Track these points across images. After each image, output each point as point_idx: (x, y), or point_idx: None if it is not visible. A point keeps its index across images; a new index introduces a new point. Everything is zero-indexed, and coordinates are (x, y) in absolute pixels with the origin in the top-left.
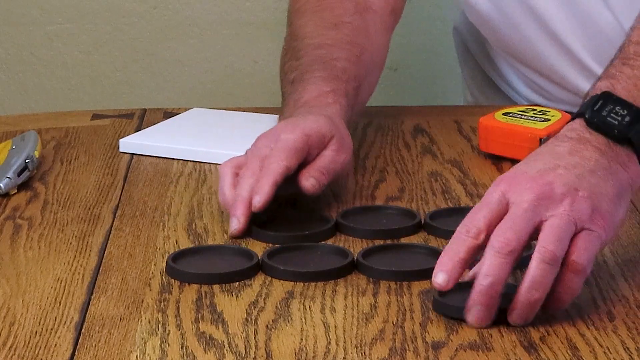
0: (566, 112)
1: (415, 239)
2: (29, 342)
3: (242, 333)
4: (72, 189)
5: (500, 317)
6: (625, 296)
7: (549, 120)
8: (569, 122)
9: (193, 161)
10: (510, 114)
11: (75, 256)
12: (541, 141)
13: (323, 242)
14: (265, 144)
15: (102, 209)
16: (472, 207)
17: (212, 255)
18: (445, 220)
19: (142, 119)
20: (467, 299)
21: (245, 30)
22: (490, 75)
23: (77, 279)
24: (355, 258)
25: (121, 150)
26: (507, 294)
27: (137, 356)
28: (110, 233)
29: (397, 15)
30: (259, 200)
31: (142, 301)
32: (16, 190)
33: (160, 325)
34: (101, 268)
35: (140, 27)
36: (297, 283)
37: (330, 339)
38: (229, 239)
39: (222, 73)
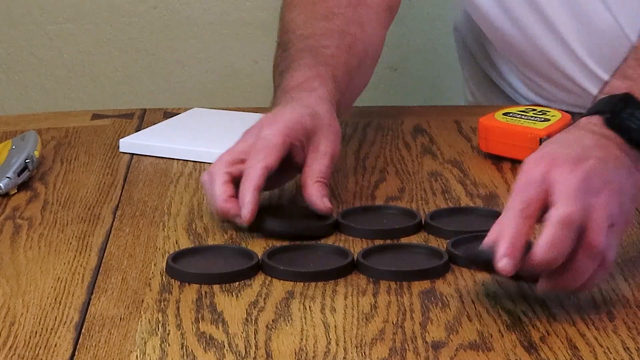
0: (566, 112)
1: (416, 239)
2: (29, 342)
3: (242, 333)
4: (72, 189)
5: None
6: (625, 296)
7: (549, 120)
8: (584, 115)
9: (193, 161)
10: (510, 114)
11: (75, 256)
12: (541, 141)
13: (323, 242)
14: (248, 140)
15: (102, 209)
16: (472, 207)
17: (212, 255)
18: (446, 220)
19: (142, 119)
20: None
21: (245, 30)
22: (491, 75)
23: (77, 279)
24: (355, 258)
25: (121, 150)
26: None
27: (137, 356)
28: (110, 233)
29: (393, 12)
30: (245, 214)
31: (142, 301)
32: (16, 190)
33: (160, 325)
34: (101, 268)
35: (140, 27)
36: (297, 283)
37: (330, 339)
38: (229, 238)
39: (222, 73)
